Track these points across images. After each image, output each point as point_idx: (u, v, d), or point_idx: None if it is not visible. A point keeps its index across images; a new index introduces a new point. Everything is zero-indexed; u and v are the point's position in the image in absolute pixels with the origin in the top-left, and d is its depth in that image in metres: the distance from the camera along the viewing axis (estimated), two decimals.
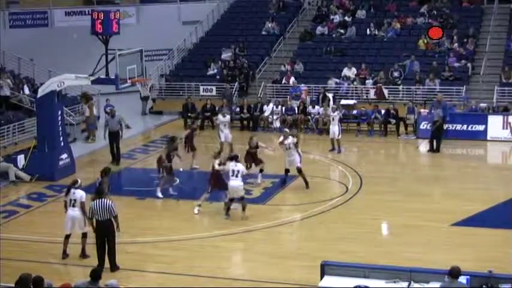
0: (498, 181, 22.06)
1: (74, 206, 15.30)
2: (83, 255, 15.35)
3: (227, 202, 17.96)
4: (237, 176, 17.62)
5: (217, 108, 30.07)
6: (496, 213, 18.29)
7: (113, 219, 14.50)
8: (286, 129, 22.18)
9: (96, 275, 10.86)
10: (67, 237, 15.41)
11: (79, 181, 15.75)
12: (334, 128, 24.80)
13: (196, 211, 18.38)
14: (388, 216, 18.10)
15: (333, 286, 11.13)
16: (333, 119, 24.95)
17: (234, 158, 18.10)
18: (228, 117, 24.94)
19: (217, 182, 18.40)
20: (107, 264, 14.46)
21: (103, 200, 14.60)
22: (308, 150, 24.64)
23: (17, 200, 20.30)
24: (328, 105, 28.77)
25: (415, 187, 20.74)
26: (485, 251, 15.46)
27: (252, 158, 21.04)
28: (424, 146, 26.05)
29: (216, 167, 18.33)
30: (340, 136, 24.77)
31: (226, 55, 33.92)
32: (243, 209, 17.84)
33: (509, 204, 19.01)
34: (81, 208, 15.26)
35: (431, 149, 24.91)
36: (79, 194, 15.37)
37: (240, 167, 17.86)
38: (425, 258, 14.75)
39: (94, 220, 14.66)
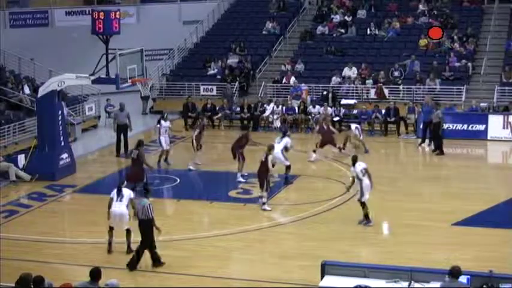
0: (498, 181, 22.07)
1: (121, 200, 15.40)
2: (129, 250, 15.47)
3: (364, 206, 17.34)
4: (364, 175, 17.31)
5: (217, 108, 30.12)
6: (497, 213, 18.29)
7: (149, 220, 14.60)
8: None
9: (95, 274, 10.83)
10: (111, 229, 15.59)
11: (125, 182, 16.08)
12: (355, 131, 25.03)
13: (268, 208, 18.55)
14: (388, 216, 18.10)
15: (333, 286, 11.13)
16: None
17: (354, 159, 17.61)
18: (168, 122, 23.89)
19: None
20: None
21: (144, 200, 14.77)
22: (308, 150, 24.62)
23: (17, 200, 20.31)
24: (329, 106, 28.89)
25: (415, 187, 20.74)
26: (486, 250, 15.46)
27: None
28: (424, 145, 26.09)
29: (269, 163, 18.54)
30: (362, 137, 25.02)
31: (232, 60, 33.89)
32: (365, 215, 17.40)
33: (510, 204, 19.01)
34: (130, 205, 15.46)
35: (436, 149, 24.74)
36: (127, 191, 15.58)
37: (364, 164, 17.51)
38: (425, 258, 14.75)
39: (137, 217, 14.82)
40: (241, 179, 21.08)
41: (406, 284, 10.99)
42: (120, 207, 15.34)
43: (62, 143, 22.41)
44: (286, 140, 21.45)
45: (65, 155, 22.48)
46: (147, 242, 14.65)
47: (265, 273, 14.40)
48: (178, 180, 21.60)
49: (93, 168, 24.17)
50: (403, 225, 17.41)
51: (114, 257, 15.49)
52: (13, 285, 10.69)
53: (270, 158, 18.65)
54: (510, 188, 20.73)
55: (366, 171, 17.31)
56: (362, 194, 17.23)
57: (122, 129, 24.96)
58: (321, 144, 23.76)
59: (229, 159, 24.51)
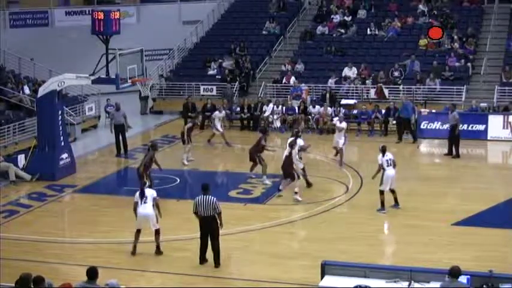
0: (498, 181, 22.07)
1: (145, 202, 15.33)
2: (158, 251, 15.48)
3: (382, 195, 18.08)
4: (390, 165, 18.08)
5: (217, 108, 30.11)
6: (497, 213, 18.30)
7: (216, 215, 14.60)
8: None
9: (92, 274, 10.80)
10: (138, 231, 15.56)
11: (147, 182, 16.11)
12: (340, 138, 22.97)
13: (300, 198, 19.13)
14: (388, 216, 18.09)
15: (333, 286, 11.13)
16: (340, 130, 23.11)
17: (384, 149, 18.36)
18: (223, 112, 27.38)
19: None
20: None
21: (207, 196, 14.69)
22: (308, 149, 24.57)
23: (17, 200, 20.31)
24: (329, 106, 28.91)
25: (415, 187, 20.72)
26: (486, 250, 15.48)
27: None
28: (424, 145, 26.13)
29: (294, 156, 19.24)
30: (344, 146, 23.03)
31: (227, 63, 33.89)
32: (396, 200, 18.23)
33: (510, 204, 19.02)
34: (156, 205, 15.44)
35: (450, 153, 24.31)
36: (150, 192, 15.54)
37: (391, 155, 18.24)
38: (425, 257, 14.75)
39: (198, 216, 14.77)
40: (267, 181, 20.94)
41: (406, 284, 10.99)
42: (145, 209, 15.31)
43: (62, 143, 22.41)
44: (299, 142, 21.24)
45: (65, 155, 22.48)
46: (218, 235, 14.72)
47: (265, 273, 14.41)
48: (178, 180, 21.60)
49: (93, 168, 24.18)
50: (403, 225, 17.42)
51: (114, 257, 15.52)
52: (13, 285, 10.69)
53: (293, 152, 19.35)
54: (510, 188, 20.73)
55: (392, 163, 18.16)
56: (381, 183, 17.96)
57: (120, 129, 25.03)
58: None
59: (229, 159, 24.61)
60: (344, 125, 23.42)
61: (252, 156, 21.27)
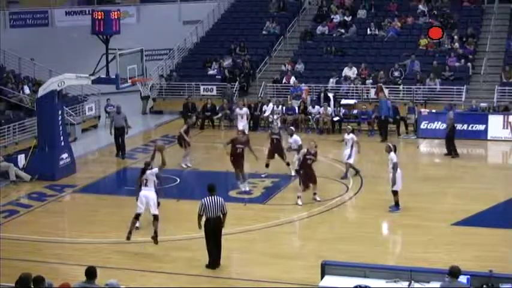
0: (498, 181, 22.05)
1: (146, 185, 15.77)
2: (155, 238, 15.65)
3: (396, 195, 18.06)
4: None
5: (217, 108, 30.12)
6: (497, 213, 18.31)
7: (222, 216, 14.60)
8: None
9: (91, 273, 10.78)
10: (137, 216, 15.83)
11: (151, 163, 16.34)
12: (346, 151, 21.68)
13: (300, 203, 18.91)
14: (388, 216, 18.09)
15: (333, 286, 11.13)
16: (346, 142, 21.70)
17: (394, 148, 18.50)
18: (244, 109, 26.86)
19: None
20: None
21: (215, 196, 14.60)
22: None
23: (17, 200, 20.32)
24: (329, 105, 28.90)
25: (415, 187, 20.68)
26: (486, 250, 15.47)
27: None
28: (424, 145, 26.13)
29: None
30: (351, 160, 21.54)
31: (228, 62, 33.91)
32: (397, 202, 18.17)
33: (510, 204, 19.01)
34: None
35: (449, 153, 24.24)
36: (152, 173, 15.92)
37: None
38: (425, 257, 14.76)
39: (204, 217, 14.63)
40: (243, 187, 20.69)
41: (406, 284, 10.98)
42: (146, 190, 15.74)
43: (62, 143, 22.42)
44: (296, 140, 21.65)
45: (65, 155, 22.48)
46: (221, 235, 14.71)
47: (265, 273, 14.40)
48: (178, 180, 21.60)
49: (93, 168, 24.20)
50: (403, 225, 17.42)
51: (114, 257, 15.51)
52: (13, 285, 10.68)
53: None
54: (510, 188, 20.72)
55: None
56: (394, 183, 17.86)
57: (120, 131, 24.83)
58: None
59: (229, 159, 24.53)
60: (349, 137, 21.59)
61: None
